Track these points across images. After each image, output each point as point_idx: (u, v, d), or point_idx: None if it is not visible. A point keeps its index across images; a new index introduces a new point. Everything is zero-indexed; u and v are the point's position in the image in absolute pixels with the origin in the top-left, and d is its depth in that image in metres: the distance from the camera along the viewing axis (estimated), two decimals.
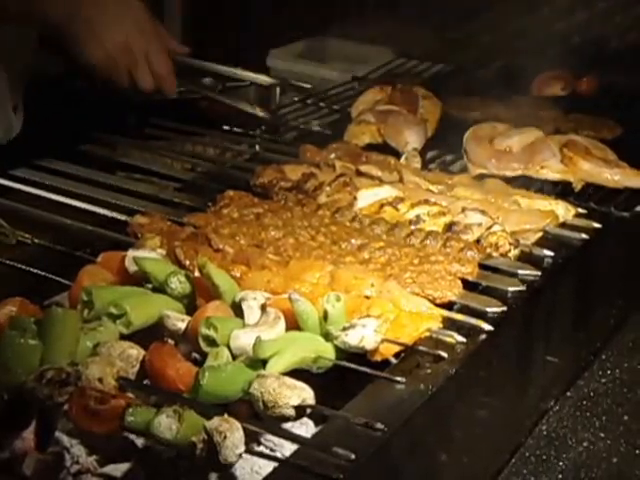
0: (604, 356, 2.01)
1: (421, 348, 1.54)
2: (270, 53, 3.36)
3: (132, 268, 1.68)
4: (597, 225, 1.96)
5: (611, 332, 2.07)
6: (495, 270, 1.78)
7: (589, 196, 2.13)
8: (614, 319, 2.10)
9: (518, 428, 1.79)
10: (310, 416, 1.50)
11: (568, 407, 1.87)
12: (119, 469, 1.48)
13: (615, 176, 2.16)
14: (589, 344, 2.02)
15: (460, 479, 1.63)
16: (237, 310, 1.58)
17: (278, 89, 2.74)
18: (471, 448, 1.63)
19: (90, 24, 2.29)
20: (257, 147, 2.47)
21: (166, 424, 1.30)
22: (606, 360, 2.00)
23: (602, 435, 1.81)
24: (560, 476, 1.71)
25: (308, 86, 2.92)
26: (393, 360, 1.55)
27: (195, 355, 1.56)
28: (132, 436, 1.46)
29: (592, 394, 1.91)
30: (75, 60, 2.34)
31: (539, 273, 1.77)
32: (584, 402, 1.88)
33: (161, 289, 1.64)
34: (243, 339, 1.48)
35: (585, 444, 1.78)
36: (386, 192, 2.00)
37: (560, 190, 2.16)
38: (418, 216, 1.91)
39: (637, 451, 1.77)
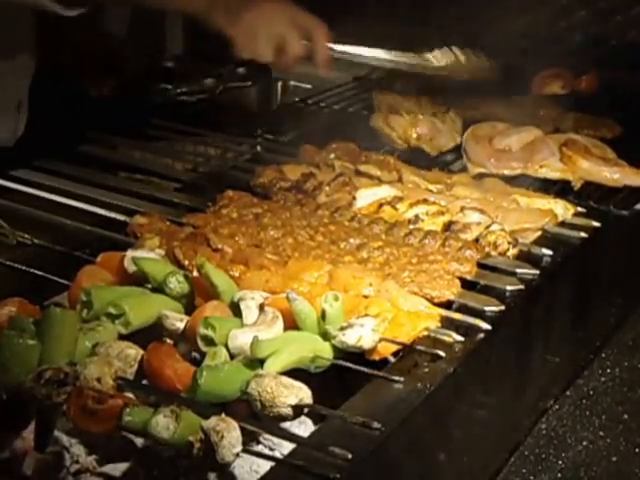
0: (604, 355, 2.00)
1: (419, 347, 1.54)
2: None
3: (131, 268, 1.69)
4: (596, 224, 1.96)
5: (611, 331, 2.07)
6: (494, 269, 1.78)
7: (588, 195, 2.13)
8: (614, 318, 2.09)
9: (517, 427, 1.79)
10: (308, 415, 1.51)
11: (568, 406, 1.87)
12: (118, 468, 1.48)
13: (614, 175, 2.17)
14: (589, 343, 2.02)
15: (459, 478, 1.63)
16: (235, 310, 1.58)
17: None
18: (470, 447, 1.63)
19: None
20: (258, 147, 2.47)
21: (163, 424, 1.30)
22: (606, 359, 1.99)
23: (602, 434, 1.80)
24: (559, 475, 1.71)
25: (309, 86, 2.93)
26: (391, 359, 1.55)
27: (195, 354, 1.56)
28: (131, 436, 1.47)
29: (592, 393, 1.90)
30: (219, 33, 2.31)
31: (538, 272, 1.77)
32: (584, 401, 1.88)
33: (160, 289, 1.64)
34: (241, 339, 1.48)
35: (585, 443, 1.78)
36: (385, 192, 2.01)
37: (559, 189, 2.16)
38: (417, 215, 1.91)
39: (636, 450, 1.77)
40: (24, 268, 1.78)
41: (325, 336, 1.53)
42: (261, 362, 1.44)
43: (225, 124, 2.60)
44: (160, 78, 2.74)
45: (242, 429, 1.31)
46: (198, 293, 1.63)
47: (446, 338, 1.56)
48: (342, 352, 1.52)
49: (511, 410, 1.77)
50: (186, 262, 1.74)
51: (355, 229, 1.88)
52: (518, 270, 1.77)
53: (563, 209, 1.99)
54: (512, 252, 1.83)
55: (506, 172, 2.20)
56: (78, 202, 2.02)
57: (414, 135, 2.36)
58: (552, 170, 2.20)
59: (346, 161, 2.21)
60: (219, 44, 2.65)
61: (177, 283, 1.63)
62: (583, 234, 1.92)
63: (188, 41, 2.98)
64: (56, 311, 1.46)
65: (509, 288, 1.71)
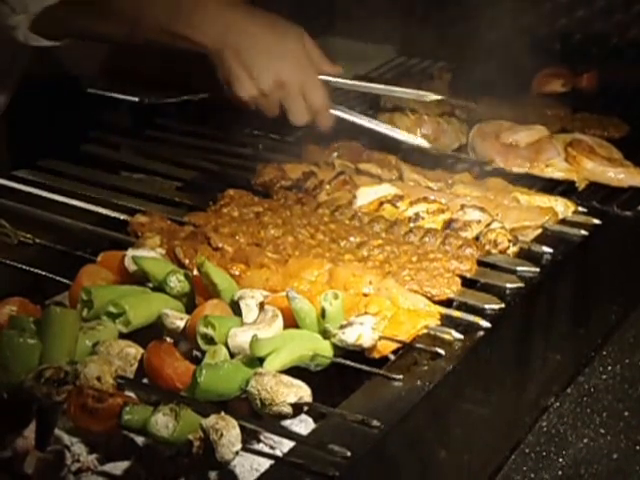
0: (604, 352, 2.00)
1: (419, 345, 1.54)
2: None
3: (132, 267, 1.69)
4: (596, 221, 1.96)
5: (612, 328, 2.07)
6: (494, 267, 1.78)
7: (591, 195, 2.13)
8: (615, 315, 2.09)
9: (518, 425, 1.80)
10: (309, 413, 1.51)
11: (568, 403, 1.87)
12: (119, 467, 1.49)
13: (619, 175, 2.16)
14: (589, 340, 2.02)
15: (459, 476, 1.64)
16: (236, 308, 1.59)
17: None
18: (470, 445, 1.64)
19: (239, 56, 2.11)
20: (261, 147, 2.47)
21: (163, 422, 1.31)
22: (607, 356, 1.99)
23: (602, 431, 1.81)
24: (560, 472, 1.71)
25: None
26: (392, 357, 1.55)
27: (196, 353, 1.56)
28: (132, 434, 1.47)
29: (592, 390, 1.90)
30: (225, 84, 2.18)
31: (538, 270, 1.77)
32: (584, 398, 1.88)
33: (160, 288, 1.65)
34: (241, 337, 1.48)
35: (585, 440, 1.78)
36: (385, 190, 2.01)
37: (564, 189, 2.16)
38: (417, 214, 1.91)
39: (637, 447, 1.77)
40: (25, 267, 1.79)
41: (325, 334, 1.53)
42: (261, 360, 1.44)
43: (228, 123, 2.60)
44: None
45: (242, 427, 1.31)
46: (198, 292, 1.63)
47: (446, 336, 1.56)
48: (342, 350, 1.52)
49: (511, 408, 1.77)
50: (186, 261, 1.74)
51: (355, 227, 1.89)
52: (518, 268, 1.77)
53: (563, 207, 1.99)
54: (512, 250, 1.82)
55: (513, 169, 2.20)
56: (79, 201, 2.03)
57: (419, 135, 2.35)
58: (557, 170, 2.19)
59: (348, 160, 2.21)
60: None
61: (177, 282, 1.64)
62: (583, 232, 1.92)
63: None
64: (56, 310, 1.46)
65: (509, 286, 1.71)
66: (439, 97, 2.32)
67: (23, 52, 2.37)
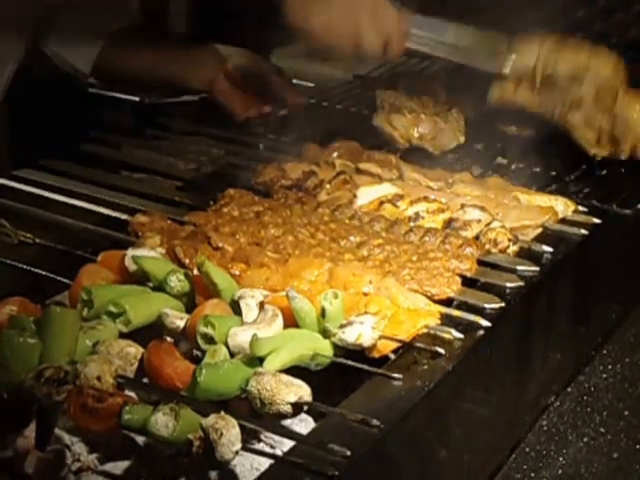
0: (605, 351, 2.01)
1: (419, 344, 1.54)
2: (273, 52, 3.36)
3: (132, 267, 1.69)
4: (596, 220, 1.96)
5: (612, 327, 2.07)
6: (494, 266, 1.78)
7: (590, 194, 2.13)
8: (615, 314, 2.09)
9: (518, 424, 1.80)
10: (309, 413, 1.51)
11: (569, 402, 1.87)
12: (120, 467, 1.49)
13: None
14: (590, 339, 2.02)
15: (459, 476, 1.64)
16: (236, 308, 1.59)
17: None
18: (470, 444, 1.64)
19: None
20: (261, 146, 2.47)
21: (162, 422, 1.31)
22: (607, 355, 2.00)
23: (603, 430, 1.81)
24: (560, 471, 1.71)
25: (311, 85, 2.93)
26: (392, 356, 1.55)
27: (197, 353, 1.56)
28: (133, 434, 1.47)
29: (593, 389, 1.91)
30: (292, 26, 2.16)
31: (538, 269, 1.77)
32: (585, 397, 1.88)
33: (161, 288, 1.65)
34: (241, 337, 1.48)
35: (585, 439, 1.78)
36: (385, 189, 2.01)
37: (562, 187, 2.16)
38: (417, 213, 1.91)
39: (637, 446, 1.77)
40: (26, 267, 1.79)
41: (325, 334, 1.53)
42: (261, 360, 1.44)
43: (228, 122, 2.61)
44: None
45: (242, 427, 1.31)
46: (199, 291, 1.63)
47: (446, 335, 1.56)
48: (342, 350, 1.53)
49: (512, 407, 1.77)
50: (187, 260, 1.74)
51: (355, 227, 1.89)
52: (518, 267, 1.77)
53: (564, 206, 1.99)
54: (512, 249, 1.83)
55: None
56: (80, 201, 2.03)
57: (416, 134, 2.35)
58: None
59: (348, 160, 2.21)
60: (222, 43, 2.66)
61: (177, 281, 1.64)
62: (583, 231, 1.92)
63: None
64: (56, 310, 1.46)
65: (509, 285, 1.71)
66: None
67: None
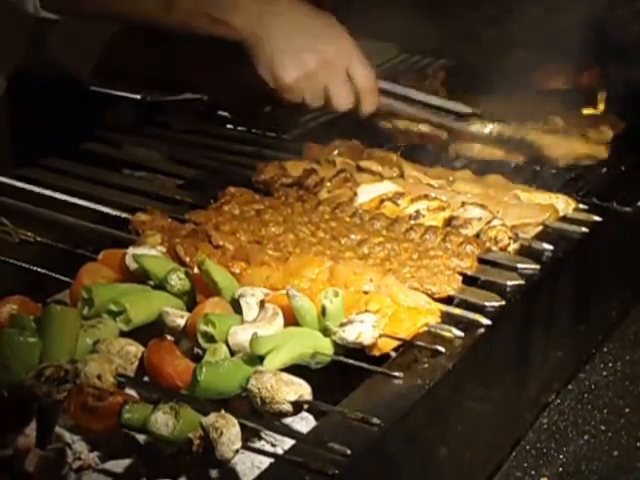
0: (605, 349, 2.00)
1: (419, 343, 1.54)
2: None
3: (133, 265, 1.69)
4: (597, 218, 1.96)
5: (612, 325, 2.07)
6: (494, 264, 1.78)
7: (591, 191, 2.13)
8: (615, 312, 2.09)
9: (518, 421, 1.80)
10: (310, 411, 1.51)
11: (569, 400, 1.87)
12: (120, 465, 1.49)
13: None
14: (590, 337, 2.02)
15: (460, 474, 1.63)
16: (236, 306, 1.59)
17: None
18: (471, 442, 1.64)
19: (282, 38, 2.07)
20: (262, 144, 2.47)
21: (162, 421, 1.31)
22: (607, 353, 2.00)
23: (603, 428, 1.81)
24: (561, 469, 1.71)
25: None
26: (393, 354, 1.55)
27: (198, 351, 1.57)
28: (133, 432, 1.48)
29: (593, 387, 1.91)
30: (260, 79, 2.12)
31: (538, 267, 1.77)
32: (585, 395, 1.88)
33: (161, 286, 1.65)
34: (241, 335, 1.49)
35: (586, 437, 1.78)
36: (386, 187, 2.01)
37: (563, 185, 2.16)
38: (418, 211, 1.91)
39: (638, 444, 1.77)
40: (26, 266, 1.79)
41: (325, 332, 1.53)
42: (261, 359, 1.44)
43: (229, 120, 2.61)
44: None
45: (242, 426, 1.31)
46: (199, 290, 1.64)
47: (446, 333, 1.56)
48: (342, 348, 1.53)
49: (512, 405, 1.77)
50: (187, 259, 1.74)
51: (356, 225, 1.89)
52: (519, 265, 1.77)
53: (564, 204, 1.99)
54: (513, 247, 1.82)
55: None
56: (80, 200, 2.03)
57: (416, 132, 2.35)
58: None
59: (349, 158, 2.21)
60: None
61: (178, 280, 1.64)
62: (584, 229, 1.92)
63: None
64: (56, 309, 1.47)
65: (510, 283, 1.71)
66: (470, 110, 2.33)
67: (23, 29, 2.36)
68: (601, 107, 2.50)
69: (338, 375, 1.54)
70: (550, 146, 2.26)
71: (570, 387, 1.90)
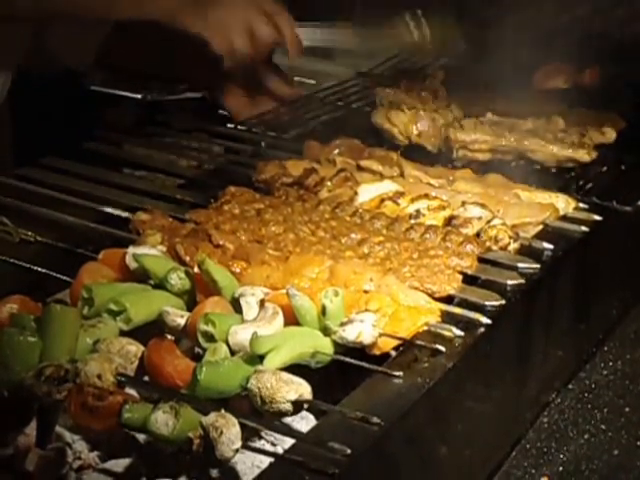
0: (606, 348, 2.01)
1: (419, 342, 1.54)
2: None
3: (133, 265, 1.69)
4: (597, 217, 1.96)
5: (613, 324, 2.07)
6: (495, 264, 1.78)
7: (591, 190, 2.13)
8: (616, 311, 2.09)
9: (519, 421, 1.80)
10: (310, 411, 1.51)
11: (569, 399, 1.87)
12: (121, 464, 1.49)
13: None
14: (590, 336, 2.02)
15: (460, 473, 1.64)
16: (236, 306, 1.59)
17: None
18: (471, 441, 1.64)
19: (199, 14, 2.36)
20: (262, 144, 2.47)
21: (162, 420, 1.31)
22: (608, 352, 2.00)
23: (603, 427, 1.81)
24: (561, 468, 1.71)
25: (312, 82, 2.93)
26: (393, 354, 1.55)
27: (198, 350, 1.57)
28: (134, 432, 1.48)
29: (594, 386, 1.91)
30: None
31: (538, 266, 1.77)
32: (586, 394, 1.89)
33: (161, 286, 1.65)
34: (241, 335, 1.48)
35: (586, 436, 1.79)
36: (386, 187, 2.01)
37: (562, 184, 2.16)
38: (418, 210, 1.91)
39: (638, 443, 1.77)
40: (27, 265, 1.79)
41: (325, 332, 1.53)
42: (261, 358, 1.44)
43: (229, 120, 2.61)
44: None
45: (242, 425, 1.31)
46: (199, 289, 1.64)
47: (446, 333, 1.56)
48: (342, 347, 1.53)
49: (512, 404, 1.77)
50: (187, 258, 1.74)
51: (356, 224, 1.88)
52: (519, 264, 1.77)
53: (564, 203, 1.99)
54: (513, 246, 1.82)
55: None
56: (81, 199, 2.03)
57: (415, 131, 2.35)
58: None
59: (349, 157, 2.21)
60: None
61: (178, 279, 1.64)
62: (584, 228, 1.92)
63: None
64: (57, 308, 1.47)
65: (510, 282, 1.71)
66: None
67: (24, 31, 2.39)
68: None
69: (338, 374, 1.54)
70: (532, 150, 2.26)
71: (570, 386, 1.90)
